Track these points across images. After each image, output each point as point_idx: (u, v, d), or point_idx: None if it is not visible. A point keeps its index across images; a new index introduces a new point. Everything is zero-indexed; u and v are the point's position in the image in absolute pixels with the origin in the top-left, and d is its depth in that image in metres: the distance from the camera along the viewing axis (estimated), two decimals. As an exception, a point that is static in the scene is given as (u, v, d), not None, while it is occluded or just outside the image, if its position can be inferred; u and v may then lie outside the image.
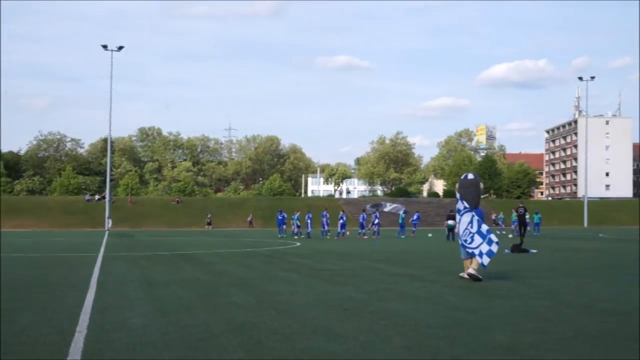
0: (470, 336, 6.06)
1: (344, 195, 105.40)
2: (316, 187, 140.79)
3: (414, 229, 41.23)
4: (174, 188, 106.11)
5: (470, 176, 12.32)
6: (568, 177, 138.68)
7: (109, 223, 58.87)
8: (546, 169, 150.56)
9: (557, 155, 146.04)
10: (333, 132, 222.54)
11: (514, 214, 42.48)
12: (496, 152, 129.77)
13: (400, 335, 6.14)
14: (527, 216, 32.85)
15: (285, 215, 40.34)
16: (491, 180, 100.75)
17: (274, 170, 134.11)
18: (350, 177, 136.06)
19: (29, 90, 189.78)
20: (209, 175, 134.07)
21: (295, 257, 19.03)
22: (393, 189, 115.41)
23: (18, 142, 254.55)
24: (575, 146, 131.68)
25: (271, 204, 72.08)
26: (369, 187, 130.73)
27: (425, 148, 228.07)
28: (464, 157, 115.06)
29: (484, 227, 11.50)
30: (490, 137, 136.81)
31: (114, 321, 7.12)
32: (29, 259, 19.02)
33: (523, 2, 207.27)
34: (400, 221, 40.22)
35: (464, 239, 11.64)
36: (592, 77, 77.40)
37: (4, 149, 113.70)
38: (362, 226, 38.23)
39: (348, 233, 38.08)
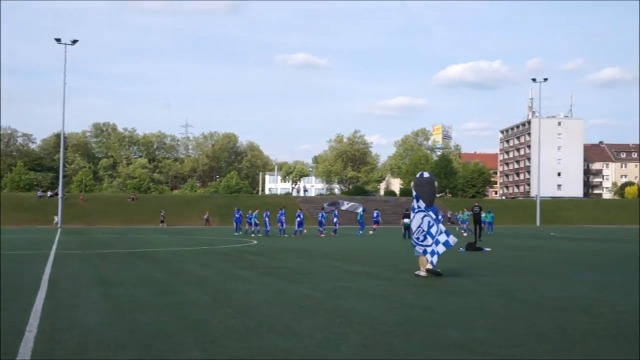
0: (425, 333, 6.13)
1: (302, 194, 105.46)
2: (274, 185, 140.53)
3: (374, 226, 41.52)
4: (129, 185, 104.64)
5: (426, 175, 12.51)
6: (521, 176, 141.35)
7: (55, 220, 57.79)
8: (500, 168, 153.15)
9: (511, 155, 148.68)
10: (291, 130, 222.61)
11: (466, 212, 43.19)
12: (452, 152, 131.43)
13: (356, 333, 6.17)
14: (482, 215, 33.43)
15: (242, 213, 40.16)
16: (447, 180, 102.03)
17: (231, 167, 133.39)
18: (307, 175, 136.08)
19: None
20: (165, 172, 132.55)
21: (252, 255, 18.96)
22: (350, 187, 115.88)
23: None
24: (529, 146, 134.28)
25: (228, 202, 71.68)
26: (327, 185, 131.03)
27: (383, 147, 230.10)
28: (421, 156, 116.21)
29: (434, 229, 11.64)
30: (446, 137, 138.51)
31: (65, 320, 6.98)
32: (-23, 256, 18.51)
33: (479, 2, 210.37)
34: (359, 219, 40.52)
35: (416, 236, 11.82)
36: (545, 79, 79.02)
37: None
38: (321, 224, 38.28)
39: (305, 231, 38.09)
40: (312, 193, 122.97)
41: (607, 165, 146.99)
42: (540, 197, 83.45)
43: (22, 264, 15.38)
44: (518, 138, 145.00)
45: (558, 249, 22.49)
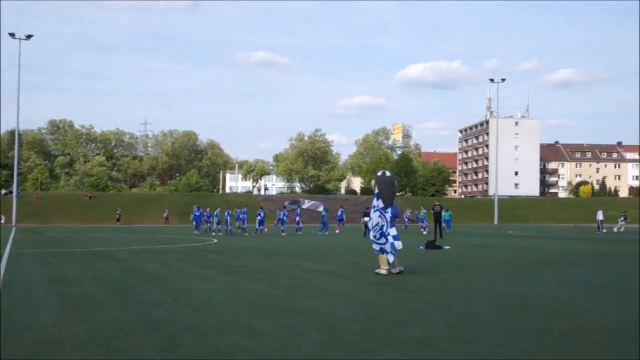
0: (385, 331, 6.17)
1: (262, 192, 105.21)
2: (234, 183, 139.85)
3: (339, 224, 41.71)
4: (86, 183, 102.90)
5: (388, 173, 12.70)
6: (480, 175, 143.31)
7: (1, 219, 56.55)
8: (459, 167, 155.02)
9: (469, 154, 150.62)
10: (252, 128, 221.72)
11: (423, 210, 43.66)
12: (412, 151, 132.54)
13: (316, 331, 6.18)
14: (443, 214, 33.86)
15: (202, 212, 39.87)
16: (407, 178, 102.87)
17: (191, 165, 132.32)
18: (268, 174, 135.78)
19: None
20: (123, 170, 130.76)
21: (212, 253, 18.83)
22: (311, 185, 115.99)
23: None
24: (487, 146, 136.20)
25: (188, 200, 71.08)
26: (288, 183, 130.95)
27: (344, 146, 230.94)
28: (381, 155, 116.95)
29: (387, 229, 11.78)
30: (407, 136, 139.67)
31: (20, 320, 6.83)
32: None
33: (439, 3, 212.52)
34: (322, 218, 40.61)
35: (374, 234, 11.92)
36: (503, 79, 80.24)
37: None
38: (283, 222, 38.25)
39: (266, 229, 38.00)
40: (273, 192, 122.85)
41: (563, 164, 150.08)
42: (498, 195, 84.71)
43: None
44: (476, 137, 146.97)
45: (515, 247, 22.87)
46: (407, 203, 77.66)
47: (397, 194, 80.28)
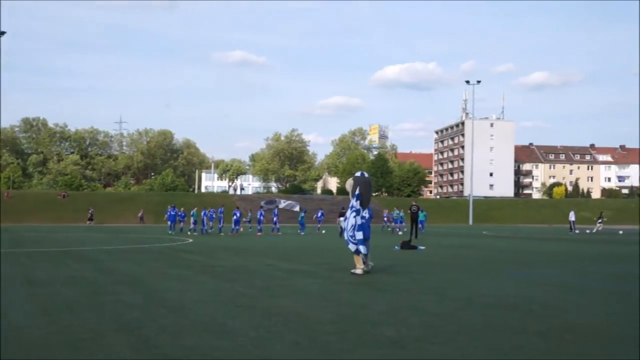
0: (360, 331, 6.17)
1: (239, 192, 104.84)
2: (210, 183, 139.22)
3: (319, 225, 41.71)
4: (60, 182, 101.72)
5: (366, 174, 12.81)
6: (455, 176, 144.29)
7: None
8: (435, 168, 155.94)
9: (445, 155, 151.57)
10: (228, 127, 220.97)
11: (396, 211, 43.86)
12: (388, 151, 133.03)
13: (291, 331, 6.16)
14: (419, 214, 34.08)
15: (177, 211, 39.62)
16: (383, 179, 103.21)
17: (167, 165, 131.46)
18: (244, 174, 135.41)
19: None
20: (98, 169, 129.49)
21: (187, 253, 18.71)
22: (287, 185, 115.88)
23: None
24: (462, 147, 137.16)
25: (163, 200, 70.55)
26: (264, 183, 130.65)
27: (320, 146, 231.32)
28: (357, 155, 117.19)
29: (356, 231, 11.86)
30: (383, 137, 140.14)
31: (-10, 321, 6.71)
32: None
33: (416, 3, 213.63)
34: (300, 219, 40.59)
35: (350, 234, 11.95)
36: (478, 81, 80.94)
37: None
38: (259, 222, 38.21)
39: (241, 229, 37.88)
40: (249, 191, 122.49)
41: (537, 166, 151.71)
42: (473, 196, 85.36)
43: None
44: (452, 139, 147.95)
45: (490, 248, 23.05)
46: (383, 203, 77.90)
47: (374, 195, 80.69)
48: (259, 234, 35.95)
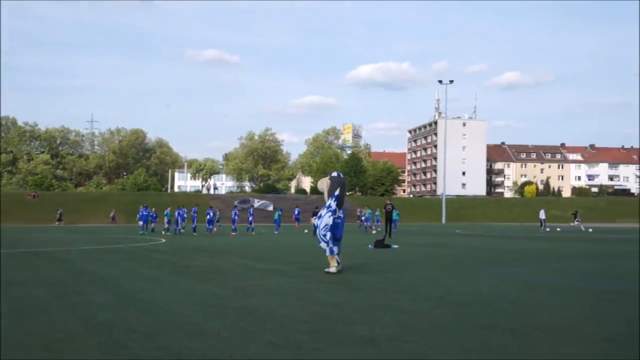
0: (333, 330, 6.17)
1: (212, 191, 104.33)
2: (183, 182, 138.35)
3: (297, 223, 41.88)
4: (30, 182, 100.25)
5: (342, 175, 12.84)
6: (428, 175, 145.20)
7: None
8: (408, 167, 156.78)
9: (418, 154, 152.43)
10: (201, 127, 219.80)
11: (368, 210, 44.08)
12: (362, 151, 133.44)
13: (264, 330, 6.14)
14: (394, 213, 34.25)
15: (149, 211, 39.34)
16: (356, 178, 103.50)
17: (139, 164, 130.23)
18: (218, 173, 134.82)
19: None
20: (69, 168, 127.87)
21: (159, 253, 18.57)
22: (261, 185, 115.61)
23: None
24: (435, 146, 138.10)
25: (136, 199, 69.94)
26: (237, 183, 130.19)
27: (294, 145, 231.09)
28: (331, 154, 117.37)
29: (329, 231, 11.87)
30: (356, 136, 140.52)
31: (-43, 324, 6.58)
32: None
33: (389, 3, 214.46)
34: (276, 218, 40.60)
35: (323, 233, 11.93)
36: (451, 81, 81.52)
37: None
38: (234, 222, 38.14)
39: (215, 229, 37.73)
40: (222, 191, 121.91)
41: (509, 165, 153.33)
42: (446, 195, 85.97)
43: None
44: (425, 138, 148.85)
45: (462, 246, 23.23)
46: (356, 203, 78.09)
47: (347, 194, 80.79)
48: (233, 233, 35.82)
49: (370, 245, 20.97)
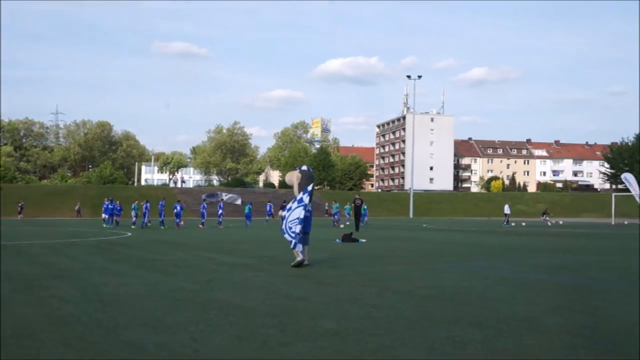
0: (300, 323, 6.17)
1: (179, 185, 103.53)
2: (150, 175, 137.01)
3: (267, 217, 42.21)
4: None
5: (310, 169, 12.82)
6: (396, 170, 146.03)
7: None
8: (376, 162, 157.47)
9: (386, 149, 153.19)
10: (169, 120, 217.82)
11: (335, 205, 44.24)
12: (330, 145, 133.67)
13: (231, 324, 6.11)
14: (363, 207, 34.41)
15: (115, 205, 38.90)
16: (325, 172, 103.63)
17: (105, 157, 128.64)
18: (185, 166, 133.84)
19: None
20: (33, 161, 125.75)
21: (125, 247, 18.37)
22: (229, 178, 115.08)
23: None
24: (403, 141, 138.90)
25: (101, 193, 69.06)
26: (205, 176, 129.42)
27: (263, 139, 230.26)
28: (300, 148, 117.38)
29: (299, 225, 11.84)
30: (325, 130, 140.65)
31: None
32: None
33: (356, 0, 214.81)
34: (247, 212, 40.59)
35: (291, 226, 11.86)
36: (419, 76, 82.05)
37: None
38: (203, 216, 38.02)
39: (182, 223, 37.48)
40: (190, 184, 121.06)
41: (475, 160, 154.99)
42: (414, 190, 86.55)
43: None
44: (393, 133, 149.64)
45: (430, 240, 23.41)
46: (325, 197, 78.24)
47: (316, 188, 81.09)
48: (201, 226, 35.62)
49: (337, 240, 21.02)
